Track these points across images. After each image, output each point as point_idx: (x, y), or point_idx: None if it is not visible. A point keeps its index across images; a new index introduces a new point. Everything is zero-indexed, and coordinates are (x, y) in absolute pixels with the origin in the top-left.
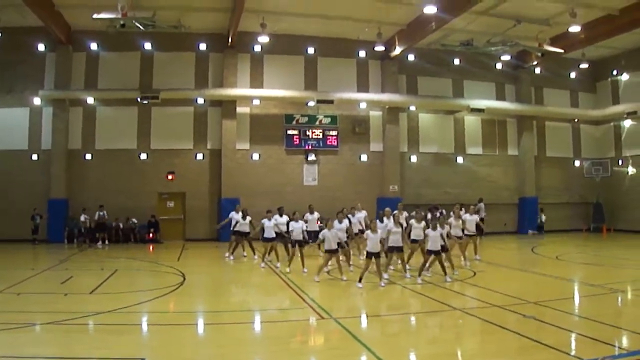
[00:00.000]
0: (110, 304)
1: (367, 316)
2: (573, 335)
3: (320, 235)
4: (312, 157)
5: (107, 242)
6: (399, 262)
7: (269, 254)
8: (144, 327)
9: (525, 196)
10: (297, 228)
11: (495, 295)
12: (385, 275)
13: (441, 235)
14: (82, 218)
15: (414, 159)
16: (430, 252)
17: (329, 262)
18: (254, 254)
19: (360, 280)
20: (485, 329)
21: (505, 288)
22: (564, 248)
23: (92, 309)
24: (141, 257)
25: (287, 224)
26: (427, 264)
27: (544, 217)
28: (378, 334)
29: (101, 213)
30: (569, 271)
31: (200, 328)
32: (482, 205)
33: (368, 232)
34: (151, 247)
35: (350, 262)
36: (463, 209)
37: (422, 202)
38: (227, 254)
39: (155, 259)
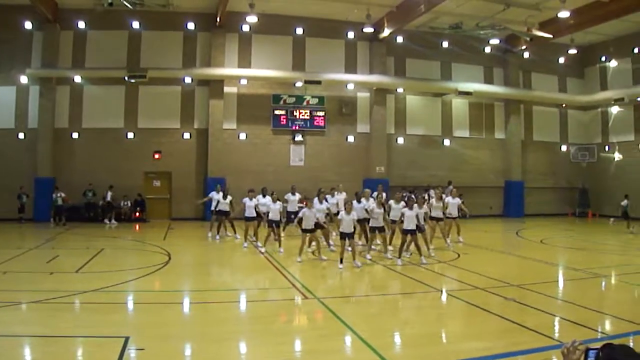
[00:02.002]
0: (96, 283)
1: (349, 296)
2: (554, 319)
3: (300, 214)
4: (299, 138)
5: (113, 220)
6: (380, 242)
7: (254, 234)
8: (129, 306)
9: (511, 179)
10: (275, 209)
11: (478, 277)
12: (368, 256)
13: (417, 215)
14: (53, 196)
15: (400, 140)
16: (405, 231)
17: (312, 242)
18: (235, 232)
19: (341, 261)
20: (468, 311)
21: (488, 271)
22: (547, 232)
23: (78, 287)
24: (127, 236)
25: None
26: (406, 244)
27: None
28: (361, 314)
29: (110, 193)
30: (553, 255)
31: (185, 307)
32: (451, 188)
33: (342, 213)
34: (137, 226)
35: (331, 242)
36: (432, 190)
37: (408, 184)
38: (209, 234)
39: (141, 238)
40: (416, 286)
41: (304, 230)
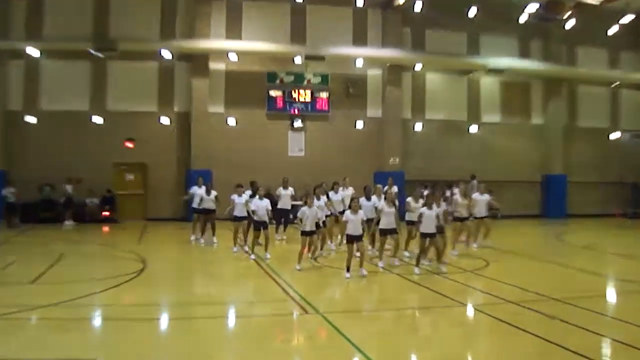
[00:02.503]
0: (56, 296)
1: (357, 311)
2: (602, 339)
3: (299, 214)
4: (298, 124)
5: (72, 221)
6: (391, 246)
7: (245, 237)
8: (96, 322)
9: (551, 173)
10: (262, 207)
11: (510, 289)
12: (380, 264)
13: (437, 215)
14: (3, 193)
15: (418, 127)
16: (424, 235)
17: (312, 247)
18: (214, 235)
19: (348, 270)
20: (498, 330)
21: (522, 281)
22: (594, 236)
23: (34, 301)
24: (94, 239)
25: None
26: (422, 250)
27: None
28: (370, 332)
29: (68, 187)
30: (601, 263)
31: (163, 324)
32: (474, 183)
33: (347, 212)
34: (106, 228)
35: (332, 246)
36: (456, 187)
37: (428, 177)
38: (192, 237)
39: (110, 241)
40: (436, 299)
41: (304, 233)
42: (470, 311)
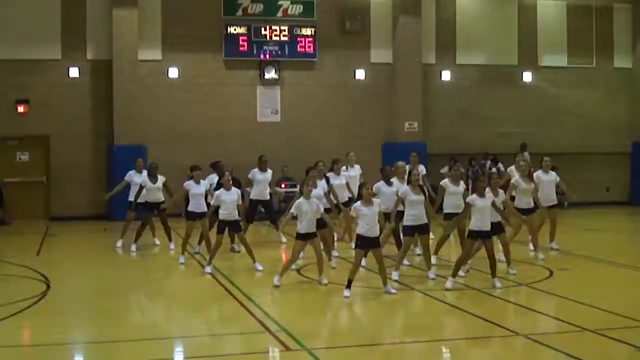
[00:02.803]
0: None
1: (364, 346)
2: None
3: (292, 209)
4: (271, 74)
5: None
6: (418, 251)
7: (200, 241)
8: None
9: None
10: (229, 201)
11: (586, 311)
12: (394, 276)
13: (493, 204)
14: None
15: (446, 76)
16: (475, 234)
17: (300, 254)
18: (170, 239)
19: (349, 286)
20: None
21: (603, 299)
22: None
23: None
24: None
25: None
26: (468, 256)
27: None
28: None
29: None
30: None
31: None
32: (527, 155)
33: (358, 204)
34: None
35: (335, 253)
36: (498, 162)
37: (459, 150)
38: (119, 242)
39: None
40: (480, 327)
41: (301, 236)
42: (529, 343)
